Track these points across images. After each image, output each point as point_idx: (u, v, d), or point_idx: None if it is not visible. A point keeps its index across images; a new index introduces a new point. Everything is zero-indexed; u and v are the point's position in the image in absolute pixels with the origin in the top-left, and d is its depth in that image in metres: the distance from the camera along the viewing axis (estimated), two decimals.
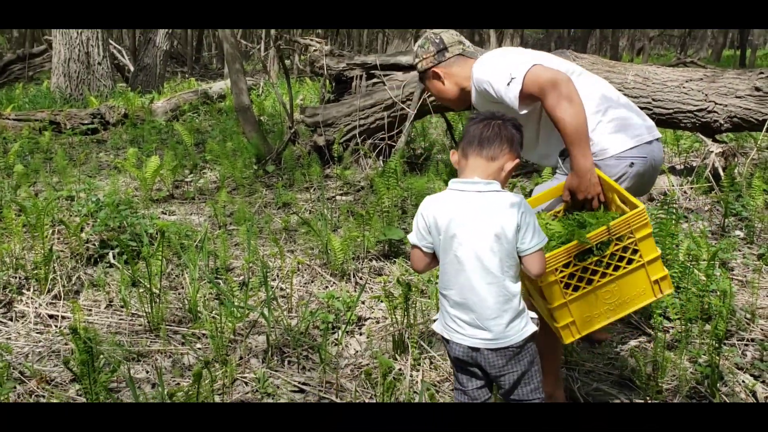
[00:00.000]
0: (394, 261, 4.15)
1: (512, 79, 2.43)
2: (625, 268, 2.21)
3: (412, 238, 2.16)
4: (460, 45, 2.73)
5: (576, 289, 2.21)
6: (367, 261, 4.15)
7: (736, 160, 5.51)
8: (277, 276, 3.97)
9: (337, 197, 5.52)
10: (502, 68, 2.50)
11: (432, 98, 5.78)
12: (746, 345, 3.13)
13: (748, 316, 3.34)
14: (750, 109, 5.25)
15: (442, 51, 2.71)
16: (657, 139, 2.58)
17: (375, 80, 6.05)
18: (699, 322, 3.13)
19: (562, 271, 2.18)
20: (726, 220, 4.53)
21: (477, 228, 2.03)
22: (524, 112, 2.48)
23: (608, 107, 2.55)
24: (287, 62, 17.47)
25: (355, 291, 3.78)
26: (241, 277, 3.85)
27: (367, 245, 4.17)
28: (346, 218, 4.77)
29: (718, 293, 3.24)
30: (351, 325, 3.39)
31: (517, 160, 2.12)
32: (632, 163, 2.49)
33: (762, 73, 5.39)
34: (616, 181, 2.45)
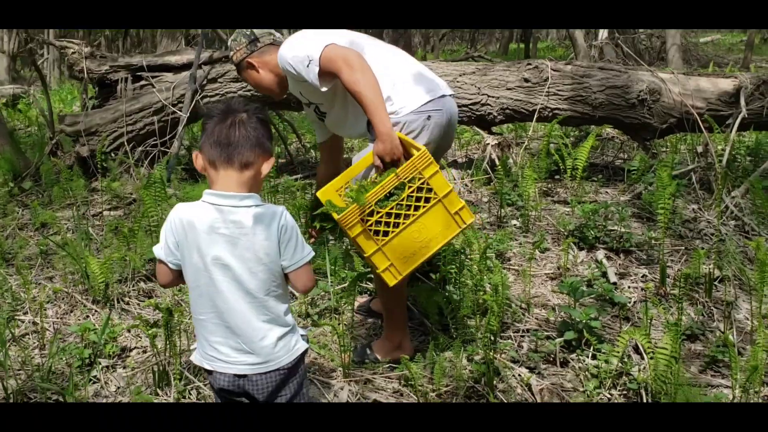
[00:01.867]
0: None
1: (310, 61, 2.61)
2: (424, 206, 2.45)
3: (158, 251, 1.91)
4: (270, 35, 2.93)
5: (386, 234, 2.43)
6: (135, 283, 3.76)
7: (510, 150, 5.69)
8: (29, 309, 3.49)
9: (105, 212, 5.01)
10: (300, 50, 2.67)
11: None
12: (522, 336, 3.14)
13: (524, 306, 3.37)
14: (520, 100, 5.44)
15: (253, 41, 2.89)
16: (450, 95, 2.82)
17: (143, 83, 5.58)
18: (476, 317, 3.10)
19: (367, 221, 2.39)
20: (503, 210, 4.61)
21: (234, 248, 1.81)
22: (325, 89, 2.66)
23: (400, 69, 2.79)
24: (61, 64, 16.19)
25: (120, 319, 3.40)
26: None
27: (134, 265, 3.77)
28: (113, 236, 4.33)
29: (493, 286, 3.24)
30: (112, 359, 3.03)
31: (272, 159, 1.92)
32: (429, 116, 2.70)
33: (529, 64, 5.60)
34: (418, 134, 2.68)
